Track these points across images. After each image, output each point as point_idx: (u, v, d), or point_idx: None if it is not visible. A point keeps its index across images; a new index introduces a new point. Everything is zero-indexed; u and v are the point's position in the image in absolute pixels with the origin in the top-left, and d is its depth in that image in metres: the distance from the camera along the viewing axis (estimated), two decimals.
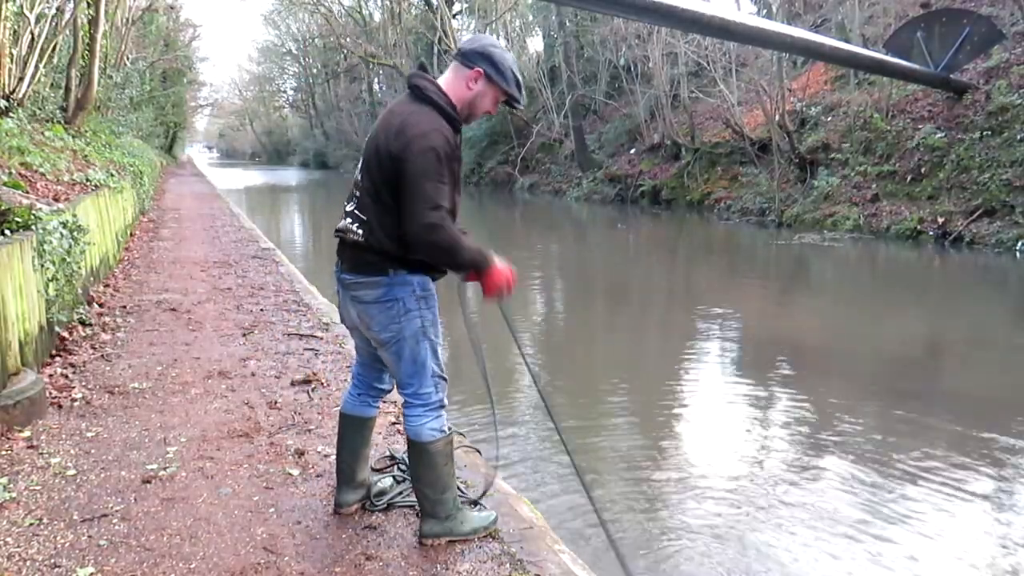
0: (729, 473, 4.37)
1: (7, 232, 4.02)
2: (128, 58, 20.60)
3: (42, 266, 4.31)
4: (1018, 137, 12.91)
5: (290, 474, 3.07)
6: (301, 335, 5.39)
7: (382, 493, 2.81)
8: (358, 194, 2.43)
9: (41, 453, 3.21)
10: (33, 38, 9.45)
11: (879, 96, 16.33)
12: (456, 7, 39.19)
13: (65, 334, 4.91)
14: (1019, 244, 11.91)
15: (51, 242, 4.46)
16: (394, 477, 2.92)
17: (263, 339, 5.29)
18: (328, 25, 47.81)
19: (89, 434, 3.45)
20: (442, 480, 2.51)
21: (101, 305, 6.18)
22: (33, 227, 4.29)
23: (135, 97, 20.41)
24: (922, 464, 4.44)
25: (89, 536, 2.54)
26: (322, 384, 4.25)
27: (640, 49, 23.38)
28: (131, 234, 10.69)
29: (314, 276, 8.58)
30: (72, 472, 3.03)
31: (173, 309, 6.19)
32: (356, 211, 2.42)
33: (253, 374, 4.45)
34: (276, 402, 3.94)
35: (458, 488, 2.69)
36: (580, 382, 6.51)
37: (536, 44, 34.22)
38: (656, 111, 23.06)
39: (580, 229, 19.97)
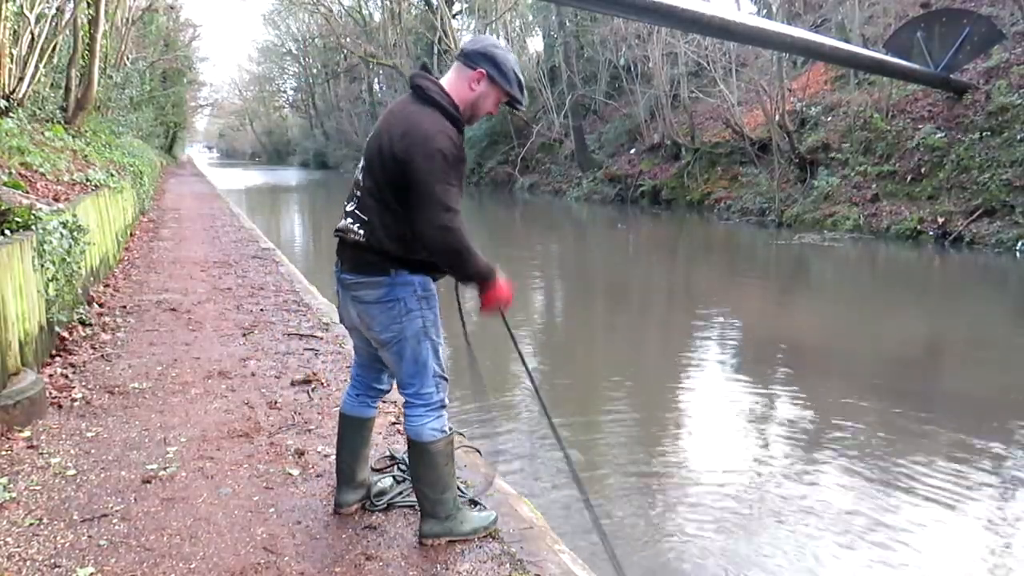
0: (729, 473, 4.37)
1: (7, 232, 4.02)
2: (128, 58, 20.60)
3: (42, 266, 4.31)
4: (1018, 137, 12.91)
5: (290, 474, 3.07)
6: (301, 335, 5.39)
7: (382, 493, 2.81)
8: (359, 194, 2.43)
9: (41, 453, 3.21)
10: (33, 38, 9.45)
11: (879, 96, 16.33)
12: (456, 7, 39.20)
13: (65, 334, 4.91)
14: (1019, 244, 11.91)
15: (51, 242, 4.46)
16: (394, 477, 2.92)
17: (263, 339, 5.29)
18: (328, 25, 47.82)
19: (89, 434, 3.45)
20: (442, 480, 2.51)
21: (101, 305, 6.18)
22: (33, 227, 4.29)
23: (135, 97, 20.41)
24: (922, 464, 4.44)
25: (89, 536, 2.54)
26: (322, 384, 4.25)
27: (640, 49, 23.39)
28: (131, 234, 10.69)
29: (314, 276, 8.58)
30: (72, 472, 3.03)
31: (173, 309, 6.19)
32: (357, 211, 2.42)
33: (253, 374, 4.45)
34: (276, 402, 3.94)
35: (458, 488, 2.69)
36: (580, 382, 6.51)
37: (536, 44, 34.27)
38: (656, 111, 23.07)
39: (580, 229, 19.98)
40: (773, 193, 17.10)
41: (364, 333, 2.51)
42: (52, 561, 2.38)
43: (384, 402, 3.80)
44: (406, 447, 2.60)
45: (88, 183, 7.76)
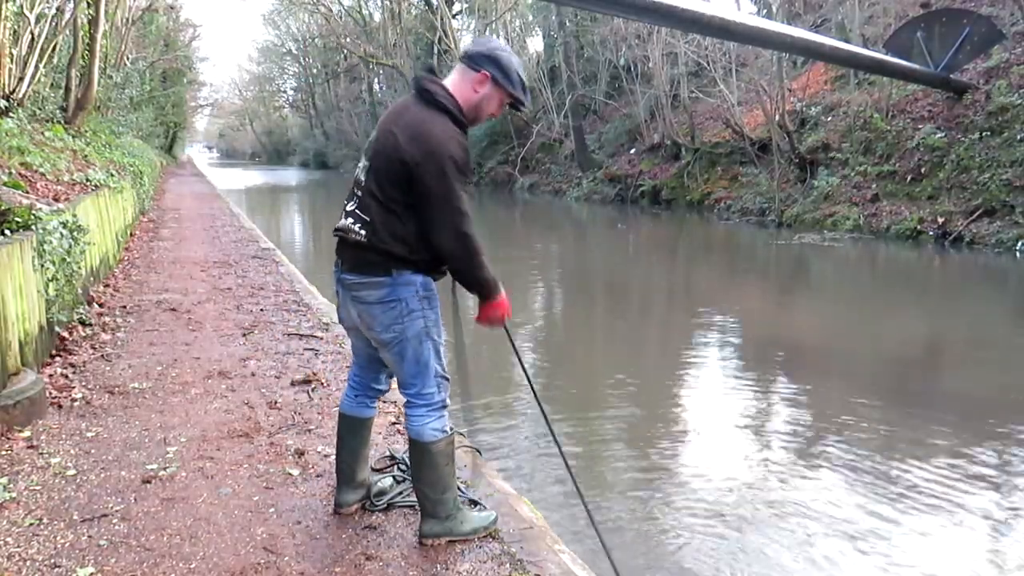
0: (728, 472, 4.37)
1: (7, 232, 4.02)
2: (128, 58, 20.60)
3: (42, 266, 4.31)
4: (1018, 137, 12.91)
5: (290, 474, 3.07)
6: (301, 335, 5.39)
7: (382, 493, 2.81)
8: (360, 194, 2.42)
9: (41, 453, 3.21)
10: (33, 38, 9.45)
11: (879, 96, 16.33)
12: (456, 7, 39.21)
13: (65, 334, 4.91)
14: (1019, 244, 11.91)
15: (51, 242, 4.46)
16: (394, 477, 2.92)
17: (263, 339, 5.29)
18: (328, 25, 47.82)
19: (89, 434, 3.45)
20: (443, 480, 2.51)
21: (101, 305, 6.18)
22: (33, 227, 4.29)
23: (135, 97, 20.41)
24: (922, 464, 4.44)
25: (89, 536, 2.54)
26: (322, 384, 4.25)
27: (640, 49, 23.39)
28: (131, 234, 10.69)
29: (314, 276, 8.58)
30: (72, 472, 3.03)
31: (173, 309, 6.19)
32: (358, 211, 2.41)
33: (253, 374, 4.45)
34: (276, 402, 3.94)
35: (458, 488, 2.69)
36: (580, 381, 6.51)
37: (536, 44, 34.27)
38: (656, 111, 23.07)
39: (580, 229, 19.98)
40: (773, 193, 17.10)
41: (365, 333, 2.50)
42: (52, 561, 2.38)
43: (384, 402, 3.80)
44: (406, 447, 2.60)
45: (88, 183, 7.76)
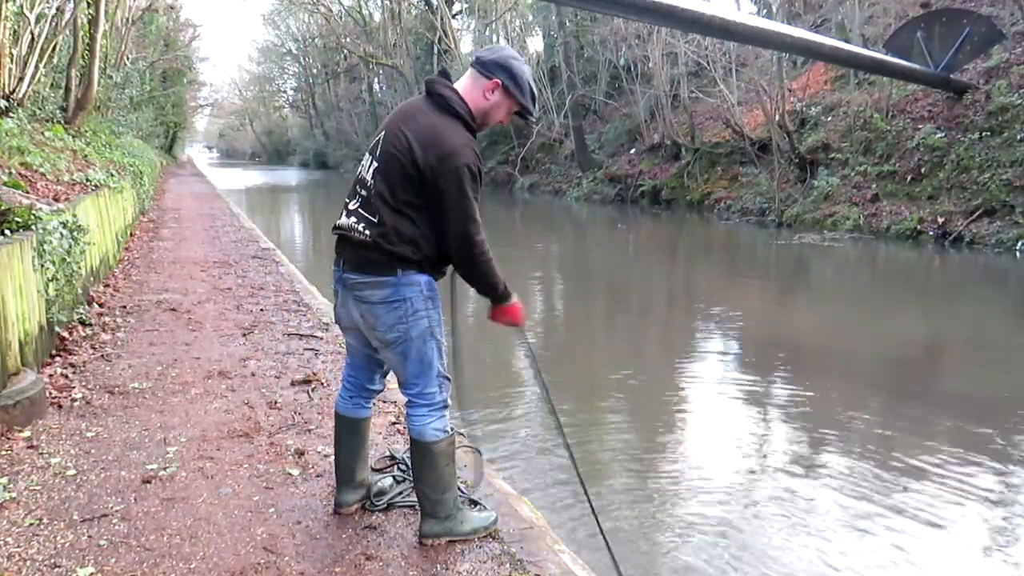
0: (729, 472, 4.37)
1: (7, 232, 4.02)
2: (128, 58, 20.60)
3: (42, 266, 4.31)
4: (1018, 137, 12.91)
5: (290, 474, 3.07)
6: (301, 335, 5.39)
7: (382, 493, 2.81)
8: (364, 194, 2.41)
9: (41, 453, 3.21)
10: (33, 38, 9.45)
11: (879, 96, 16.34)
12: (456, 7, 39.23)
13: (65, 334, 4.91)
14: (1019, 244, 11.91)
15: (51, 242, 4.46)
16: (394, 477, 2.92)
17: (263, 339, 5.29)
18: (328, 25, 47.86)
19: (89, 434, 3.45)
20: (444, 480, 2.51)
21: (101, 305, 6.18)
22: (33, 227, 4.29)
23: (135, 97, 20.41)
24: (922, 464, 4.44)
25: (89, 536, 2.54)
26: (322, 384, 4.25)
27: (640, 49, 23.39)
28: (131, 234, 10.69)
29: (314, 276, 8.58)
30: (72, 472, 3.03)
31: (173, 309, 6.19)
32: (361, 210, 2.40)
33: (253, 374, 4.45)
34: (276, 402, 3.94)
35: (458, 488, 2.69)
36: (580, 381, 6.51)
37: (536, 44, 34.28)
38: (656, 111, 23.07)
39: (580, 229, 19.98)
40: (773, 193, 17.10)
41: (366, 333, 2.49)
42: (52, 561, 2.38)
43: (384, 402, 3.81)
44: (406, 447, 2.60)
45: (88, 183, 7.76)
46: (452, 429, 2.55)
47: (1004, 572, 3.39)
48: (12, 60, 8.93)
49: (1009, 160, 12.79)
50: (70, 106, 11.45)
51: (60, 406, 3.78)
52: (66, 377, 4.23)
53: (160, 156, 32.77)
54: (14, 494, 2.81)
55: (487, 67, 2.41)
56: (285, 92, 74.43)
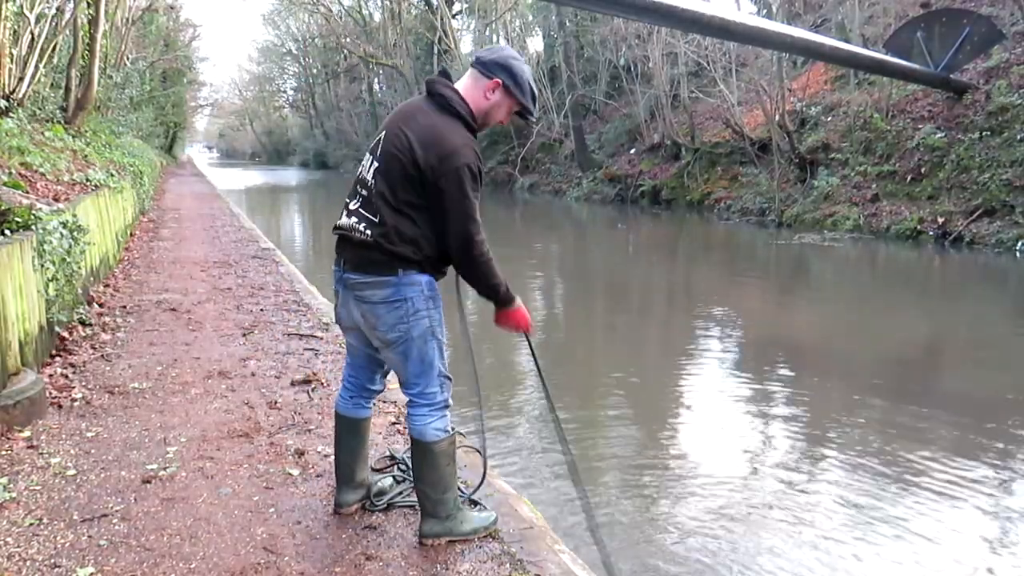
0: (728, 471, 4.37)
1: (7, 232, 4.02)
2: (128, 58, 20.60)
3: (42, 266, 4.31)
4: (1018, 137, 12.91)
5: (290, 474, 3.07)
6: (301, 335, 5.39)
7: (382, 493, 2.81)
8: (365, 193, 2.41)
9: (41, 453, 3.21)
10: (33, 38, 9.45)
11: (879, 96, 16.34)
12: (456, 7, 39.23)
13: (65, 334, 4.91)
14: (1019, 244, 11.91)
15: (51, 242, 4.46)
16: (394, 477, 2.92)
17: (263, 339, 5.29)
18: (328, 25, 47.86)
19: (89, 434, 3.45)
20: (444, 480, 2.51)
21: (101, 305, 6.18)
22: (33, 227, 4.29)
23: (135, 97, 20.41)
24: (922, 464, 4.44)
25: (89, 536, 2.54)
26: (322, 384, 4.25)
27: (640, 49, 23.39)
28: (131, 234, 10.69)
29: (314, 276, 8.58)
30: (72, 472, 3.03)
31: (173, 309, 6.19)
32: (362, 210, 2.40)
33: (253, 374, 4.45)
34: (276, 402, 3.94)
35: (458, 488, 2.69)
36: (580, 381, 6.51)
37: (536, 44, 34.28)
38: (656, 111, 23.07)
39: (580, 229, 19.98)
40: (773, 193, 17.10)
41: (367, 333, 2.49)
42: (52, 561, 2.38)
43: (384, 402, 3.81)
44: (407, 447, 2.60)
45: (88, 183, 7.76)
46: (453, 429, 2.55)
47: (1004, 572, 3.39)
48: (12, 60, 8.92)
49: (1009, 160, 12.79)
50: (70, 106, 11.45)
51: (60, 406, 3.78)
52: (66, 377, 4.23)
53: (160, 156, 32.77)
54: (14, 494, 2.81)
55: (487, 67, 2.41)
56: (285, 92, 74.51)
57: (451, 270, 2.51)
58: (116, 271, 7.95)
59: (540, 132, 28.62)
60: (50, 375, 4.19)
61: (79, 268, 5.26)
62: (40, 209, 4.75)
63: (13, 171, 6.07)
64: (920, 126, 14.86)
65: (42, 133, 9.15)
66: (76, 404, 3.83)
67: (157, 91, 29.70)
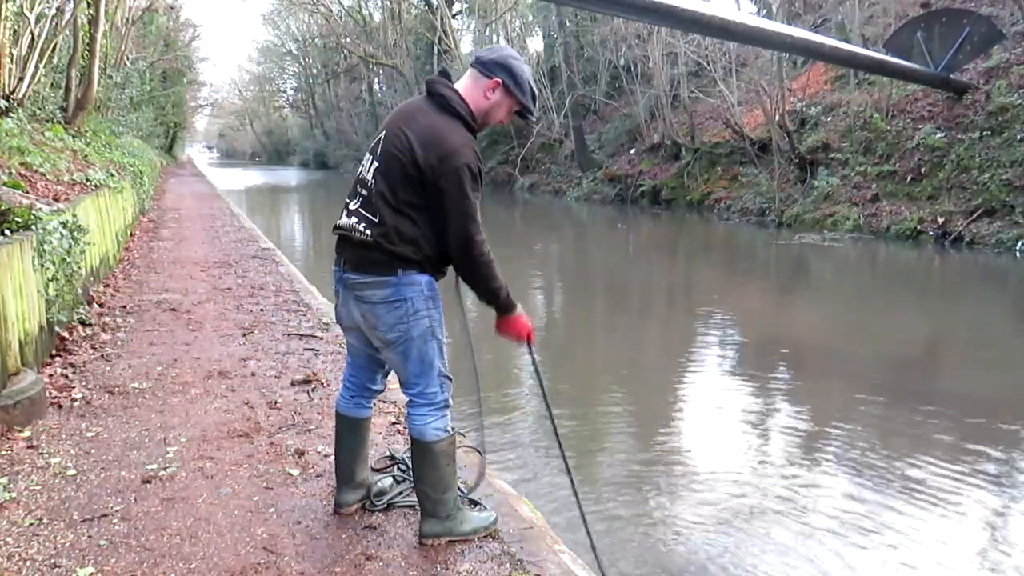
0: (728, 471, 4.37)
1: (7, 232, 4.02)
2: (128, 58, 20.60)
3: (42, 266, 4.31)
4: (1018, 137, 12.91)
5: (290, 474, 3.07)
6: (301, 335, 5.39)
7: (382, 493, 2.81)
8: (365, 193, 2.41)
9: (41, 453, 3.21)
10: (33, 38, 9.45)
11: (879, 96, 16.34)
12: (456, 7, 39.23)
13: (65, 334, 4.91)
14: (1019, 244, 11.91)
15: (51, 242, 4.46)
16: (394, 477, 2.92)
17: (263, 339, 5.29)
18: (328, 25, 47.86)
19: (89, 434, 3.45)
20: (444, 480, 2.51)
21: (101, 305, 6.18)
22: (33, 227, 4.29)
23: (135, 97, 20.41)
24: (922, 463, 4.44)
25: (89, 536, 2.54)
26: (322, 384, 4.25)
27: (640, 49, 23.40)
28: (131, 234, 10.69)
29: (314, 276, 8.58)
30: (72, 472, 3.03)
31: (173, 309, 6.19)
32: (362, 210, 2.40)
33: (253, 374, 4.45)
34: (276, 402, 3.94)
35: (458, 488, 2.69)
36: (579, 381, 6.51)
37: (536, 44, 34.29)
38: (656, 111, 23.07)
39: (580, 229, 19.98)
40: (773, 193, 17.10)
41: (367, 333, 2.49)
42: (52, 561, 2.38)
43: (384, 402, 3.81)
44: (407, 447, 2.60)
45: (88, 183, 7.76)
46: (453, 429, 2.55)
47: (1005, 572, 3.39)
48: (12, 60, 8.93)
49: (1009, 160, 12.79)
50: (70, 106, 11.45)
51: (60, 406, 3.78)
52: (66, 377, 4.23)
53: (160, 156, 32.77)
54: (14, 494, 2.81)
55: (487, 67, 2.41)
56: (285, 92, 74.52)
57: (451, 270, 2.51)
58: (116, 271, 7.95)
59: (540, 132, 28.63)
60: (50, 375, 4.19)
61: (79, 268, 5.26)
62: (40, 209, 4.75)
63: (13, 171, 6.07)
64: (920, 126, 14.86)
65: (42, 133, 9.15)
66: (76, 404, 3.83)
67: (157, 91, 29.70)
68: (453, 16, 37.66)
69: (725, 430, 5.11)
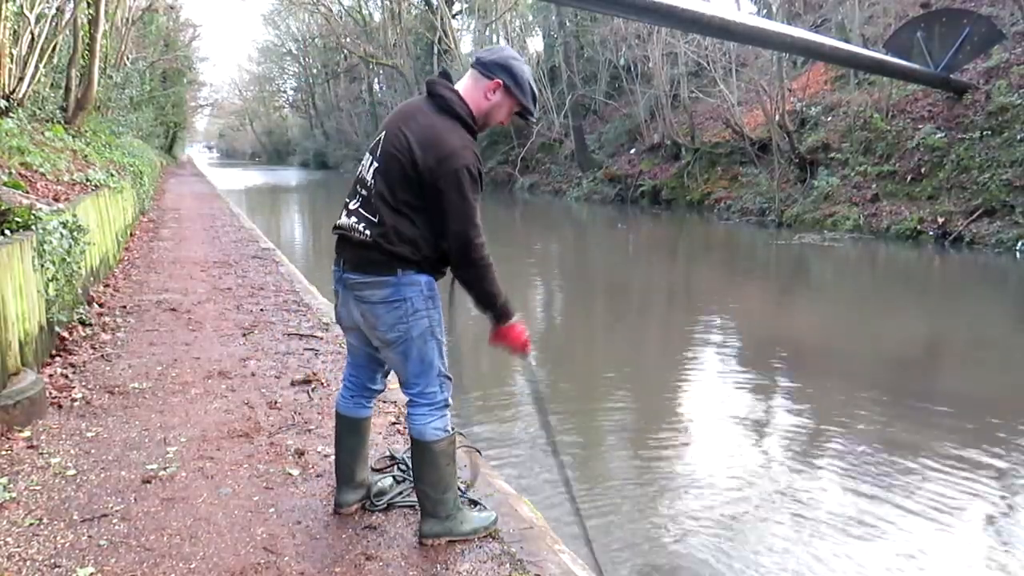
0: (728, 471, 4.37)
1: (7, 232, 4.02)
2: (128, 58, 20.60)
3: (42, 266, 4.31)
4: (1018, 137, 12.91)
5: (290, 474, 3.07)
6: (301, 335, 5.39)
7: (382, 493, 2.81)
8: (365, 193, 2.41)
9: (41, 453, 3.21)
10: (33, 38, 9.45)
11: (879, 96, 16.34)
12: (456, 7, 39.23)
13: (65, 334, 4.91)
14: (1019, 244, 11.91)
15: (51, 242, 4.46)
16: (394, 477, 2.92)
17: (263, 339, 5.29)
18: (328, 25, 47.86)
19: (89, 434, 3.45)
20: (444, 480, 2.51)
21: (101, 305, 6.18)
22: (33, 227, 4.29)
23: (135, 97, 20.40)
24: (922, 465, 4.44)
25: (89, 536, 2.54)
26: (322, 384, 4.25)
27: (640, 49, 23.40)
28: (131, 234, 10.69)
29: (314, 276, 8.58)
30: (72, 472, 3.03)
31: (173, 309, 6.19)
32: (362, 210, 2.40)
33: (253, 374, 4.45)
34: (276, 402, 3.94)
35: (458, 488, 2.69)
36: (579, 381, 6.51)
37: (536, 44, 34.29)
38: (656, 111, 23.07)
39: (580, 229, 19.98)
40: (773, 193, 17.10)
41: (367, 333, 2.49)
42: (52, 561, 2.38)
43: (384, 402, 3.81)
44: (407, 447, 2.60)
45: (88, 183, 7.76)
46: (453, 429, 2.55)
47: (1004, 573, 3.39)
48: (12, 60, 8.92)
49: (1009, 160, 12.79)
50: (70, 106, 11.45)
51: (60, 406, 3.78)
52: (66, 377, 4.23)
53: (160, 156, 32.77)
54: (14, 494, 2.81)
55: (488, 67, 2.41)
56: (285, 92, 74.53)
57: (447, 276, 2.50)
58: (116, 271, 7.95)
59: (540, 132, 28.63)
60: (50, 375, 4.19)
61: (79, 268, 5.26)
62: (40, 209, 4.75)
63: (13, 171, 6.07)
64: (920, 126, 14.86)
65: (42, 133, 9.15)
66: (76, 404, 3.83)
67: (157, 91, 29.70)
68: (453, 16, 37.66)
69: (725, 430, 5.11)
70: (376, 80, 50.10)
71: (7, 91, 8.68)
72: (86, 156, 9.89)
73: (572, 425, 5.10)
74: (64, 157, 8.48)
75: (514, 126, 30.03)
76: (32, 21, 9.23)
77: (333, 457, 2.85)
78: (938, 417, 5.30)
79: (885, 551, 3.53)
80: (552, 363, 7.08)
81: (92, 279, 6.48)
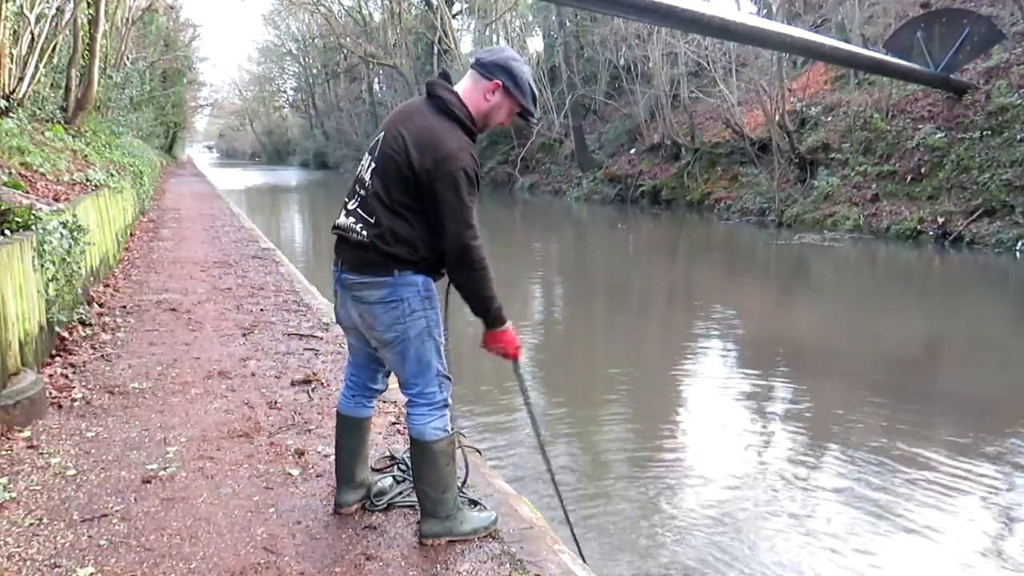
0: (728, 471, 4.37)
1: (7, 232, 4.02)
2: (128, 58, 20.60)
3: (42, 266, 4.31)
4: (1018, 137, 12.91)
5: (290, 474, 3.07)
6: (301, 335, 5.39)
7: (382, 493, 2.81)
8: (363, 194, 2.41)
9: (41, 453, 3.21)
10: (33, 38, 9.45)
11: (879, 96, 16.33)
12: (456, 7, 39.23)
13: (65, 334, 4.91)
14: (1019, 244, 11.91)
15: (51, 242, 4.46)
16: (394, 477, 2.92)
17: (263, 339, 5.29)
18: (328, 25, 47.86)
19: (89, 434, 3.45)
20: (444, 480, 2.51)
21: (101, 305, 6.18)
22: (33, 227, 4.29)
23: (135, 97, 20.40)
24: (921, 465, 4.44)
25: (89, 536, 2.54)
26: (322, 384, 4.25)
27: (640, 49, 23.40)
28: (131, 234, 10.69)
29: (314, 276, 8.58)
30: (72, 472, 3.03)
31: (173, 309, 6.19)
32: (360, 211, 2.40)
33: (253, 374, 4.45)
34: (276, 402, 3.94)
35: (458, 488, 2.69)
36: (579, 381, 6.51)
37: (536, 44, 34.29)
38: (656, 111, 23.07)
39: (580, 229, 19.98)
40: (773, 193, 17.10)
41: (365, 333, 2.50)
42: (52, 561, 2.38)
43: (384, 402, 3.81)
44: (406, 447, 2.60)
45: (88, 183, 7.76)
46: (452, 428, 2.55)
47: (1004, 572, 3.39)
48: (12, 60, 8.92)
49: (1009, 160, 12.79)
50: (70, 106, 11.45)
51: (60, 406, 3.78)
52: (66, 377, 4.23)
53: (160, 156, 32.77)
54: (14, 494, 2.81)
55: (487, 68, 2.41)
56: (285, 92, 74.53)
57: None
58: (116, 271, 7.95)
59: (540, 132, 28.62)
60: (50, 375, 4.19)
61: (79, 268, 5.26)
62: (40, 209, 4.75)
63: (13, 171, 6.07)
64: (920, 126, 14.86)
65: (42, 133, 9.15)
66: (76, 404, 3.83)
67: (157, 91, 29.70)
68: (453, 16, 37.67)
69: (725, 430, 5.11)
70: (376, 80, 50.11)
71: (7, 91, 8.68)
72: (86, 156, 9.89)
73: (571, 424, 5.10)
74: (64, 157, 8.48)
75: (514, 126, 30.02)
76: (32, 21, 9.23)
77: (333, 457, 2.85)
78: (938, 417, 5.31)
79: (885, 551, 3.53)
80: (552, 363, 7.08)
81: (92, 279, 6.48)
